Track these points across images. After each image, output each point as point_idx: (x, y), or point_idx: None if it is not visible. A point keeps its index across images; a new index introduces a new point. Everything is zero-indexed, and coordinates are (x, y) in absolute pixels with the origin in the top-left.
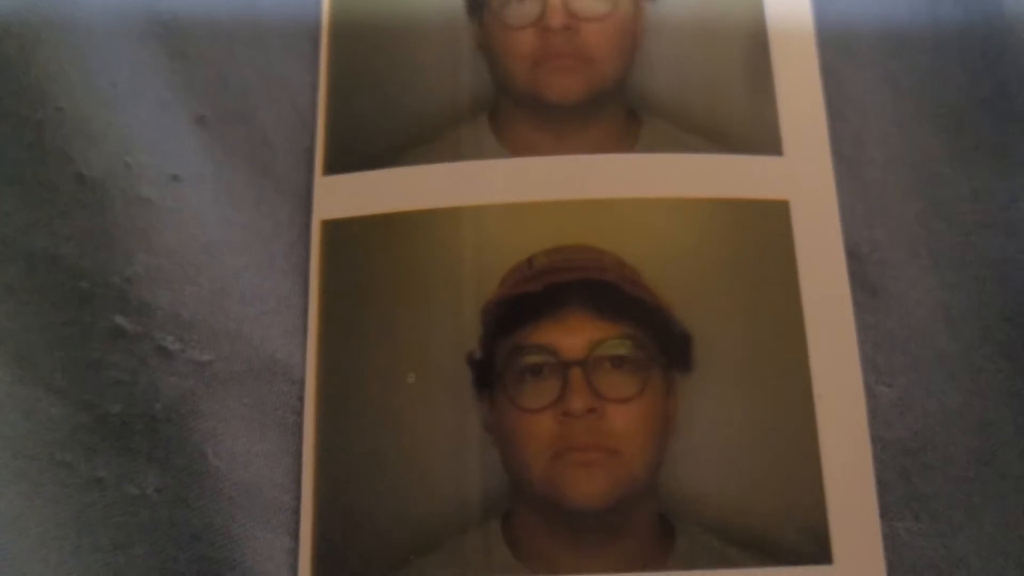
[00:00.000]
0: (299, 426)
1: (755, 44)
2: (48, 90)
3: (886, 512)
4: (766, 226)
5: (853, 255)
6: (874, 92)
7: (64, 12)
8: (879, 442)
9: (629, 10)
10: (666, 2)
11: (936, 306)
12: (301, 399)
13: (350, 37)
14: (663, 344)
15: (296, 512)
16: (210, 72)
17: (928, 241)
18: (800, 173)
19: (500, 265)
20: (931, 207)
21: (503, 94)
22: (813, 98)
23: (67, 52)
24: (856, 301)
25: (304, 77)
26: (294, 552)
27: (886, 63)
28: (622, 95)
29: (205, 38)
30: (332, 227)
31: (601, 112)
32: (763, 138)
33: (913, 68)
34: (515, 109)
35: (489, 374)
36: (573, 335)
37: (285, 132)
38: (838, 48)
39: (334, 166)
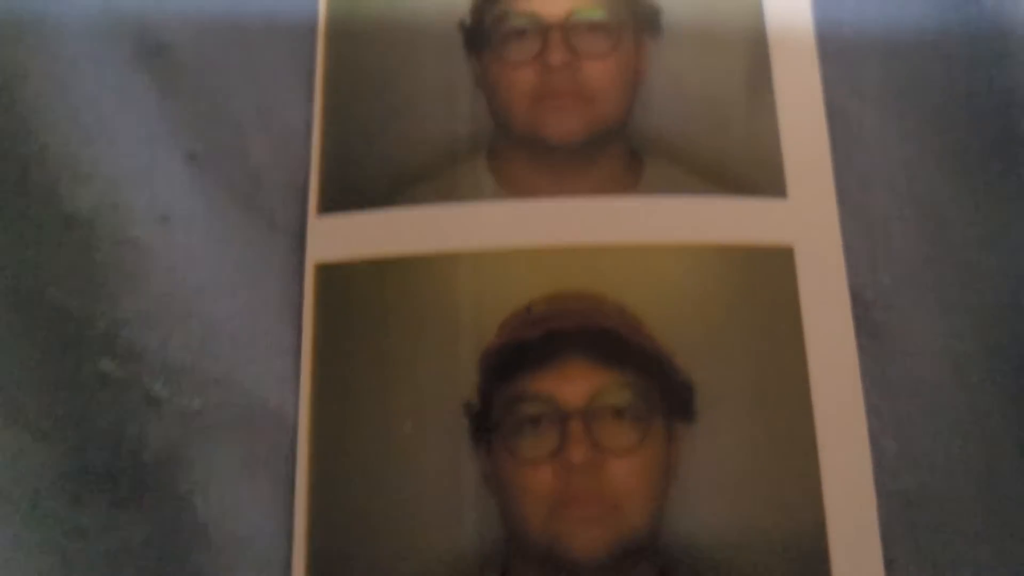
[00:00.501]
0: (291, 476)
1: (759, 83)
2: (34, 126)
3: (891, 565)
4: (770, 272)
5: (858, 300)
6: (880, 131)
7: (50, 44)
8: (884, 494)
9: (631, 47)
10: (669, 39)
11: (942, 353)
12: (293, 448)
13: (346, 71)
14: (665, 393)
15: (287, 565)
16: (202, 105)
17: (935, 286)
18: (805, 216)
19: (498, 312)
20: (938, 251)
21: (502, 133)
22: (818, 138)
23: (53, 86)
24: (861, 347)
25: (299, 111)
26: None
27: (893, 102)
28: (623, 135)
29: (197, 69)
30: (326, 271)
31: (602, 152)
32: (768, 179)
33: (920, 107)
34: (514, 149)
35: (487, 423)
36: (573, 383)
37: (279, 168)
38: (844, 86)
39: (329, 205)
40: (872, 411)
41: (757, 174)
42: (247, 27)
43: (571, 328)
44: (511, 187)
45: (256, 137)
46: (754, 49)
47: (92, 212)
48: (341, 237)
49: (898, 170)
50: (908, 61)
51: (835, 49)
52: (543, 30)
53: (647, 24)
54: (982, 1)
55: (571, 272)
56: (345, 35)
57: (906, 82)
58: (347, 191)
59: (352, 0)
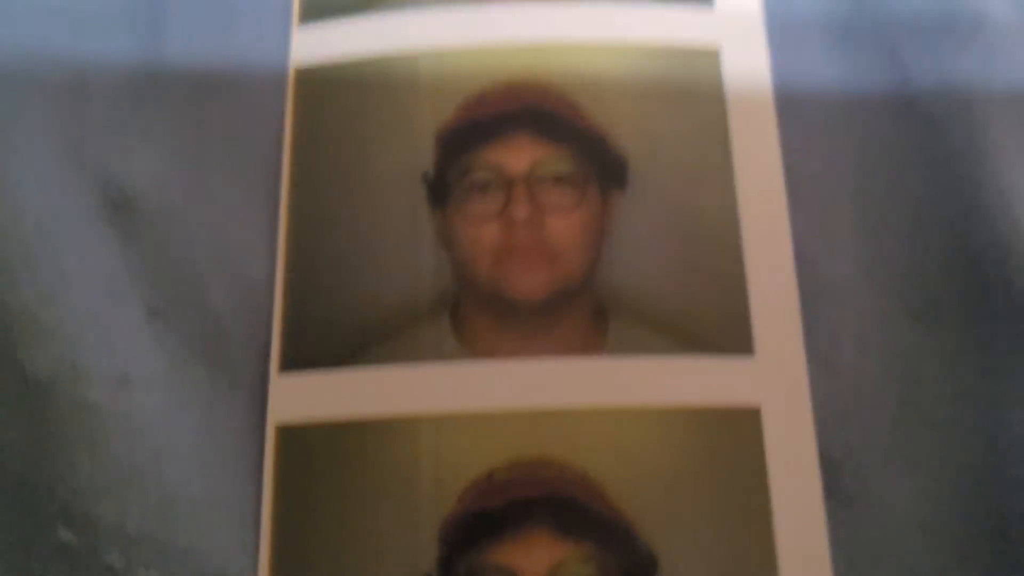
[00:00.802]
0: None
1: (727, 236)
2: None
3: None
4: (736, 436)
5: (827, 460)
6: (850, 283)
7: (14, 200)
8: None
9: (596, 201)
10: (634, 192)
11: (913, 517)
12: None
13: (309, 224)
14: (625, 555)
15: None
16: (163, 258)
17: (905, 445)
18: (773, 374)
19: (459, 479)
20: (909, 408)
21: (465, 290)
22: (787, 292)
23: (15, 244)
24: (829, 511)
25: (262, 263)
26: None
27: (863, 252)
28: (589, 292)
29: (160, 221)
30: (288, 432)
31: (566, 310)
32: (735, 337)
33: (889, 258)
34: (477, 307)
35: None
36: (533, 555)
37: (241, 323)
38: (814, 236)
39: (291, 363)
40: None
41: (724, 332)
42: (210, 178)
43: (534, 496)
44: (474, 347)
45: (218, 291)
46: (722, 201)
47: (51, 374)
48: (303, 397)
49: (868, 324)
50: (878, 212)
51: (805, 197)
52: (507, 183)
53: (613, 177)
54: (952, 154)
55: (535, 439)
56: (309, 187)
57: (876, 233)
58: (309, 349)
59: (316, 152)
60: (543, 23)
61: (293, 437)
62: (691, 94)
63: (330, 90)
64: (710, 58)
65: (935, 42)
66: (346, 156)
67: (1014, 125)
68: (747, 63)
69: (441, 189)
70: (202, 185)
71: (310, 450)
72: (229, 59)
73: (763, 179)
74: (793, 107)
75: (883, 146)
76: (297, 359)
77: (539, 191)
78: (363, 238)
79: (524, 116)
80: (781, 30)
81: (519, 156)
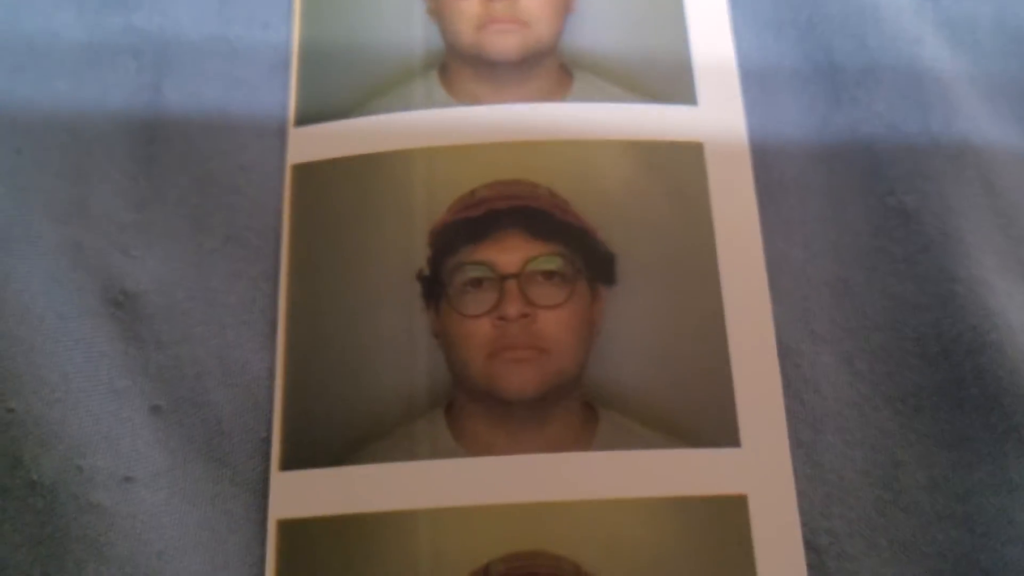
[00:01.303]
0: None
1: (713, 329)
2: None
3: None
4: (724, 523)
5: (811, 547)
6: (832, 373)
7: (18, 303)
8: None
9: (586, 296)
10: (623, 288)
11: None
12: None
13: (307, 319)
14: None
15: None
16: (165, 356)
17: (887, 531)
18: (758, 464)
19: (457, 572)
20: (889, 495)
21: (459, 387)
22: (771, 383)
23: (18, 346)
24: None
25: (261, 358)
26: None
27: (843, 342)
28: (579, 387)
29: (160, 318)
30: (288, 527)
31: (557, 407)
32: (721, 429)
33: (868, 348)
34: (471, 404)
35: None
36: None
37: (241, 421)
38: (796, 326)
39: (291, 461)
40: None
41: (711, 424)
42: (210, 276)
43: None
44: (468, 443)
45: (219, 386)
46: (707, 294)
47: (56, 477)
48: (303, 494)
49: (849, 413)
50: (856, 302)
51: (786, 288)
52: (499, 280)
53: (602, 272)
54: (926, 245)
55: (529, 529)
56: (306, 285)
57: (854, 323)
58: (309, 448)
59: (313, 250)
60: (532, 122)
61: (294, 531)
62: (677, 188)
63: (326, 186)
64: (694, 151)
65: (909, 139)
66: (343, 253)
67: (984, 216)
68: (729, 156)
69: (435, 286)
70: (202, 283)
71: (311, 543)
72: (227, 160)
73: (746, 270)
74: (774, 200)
75: (860, 237)
76: (297, 457)
77: (530, 287)
78: (360, 335)
79: (515, 214)
80: (761, 126)
81: (511, 253)
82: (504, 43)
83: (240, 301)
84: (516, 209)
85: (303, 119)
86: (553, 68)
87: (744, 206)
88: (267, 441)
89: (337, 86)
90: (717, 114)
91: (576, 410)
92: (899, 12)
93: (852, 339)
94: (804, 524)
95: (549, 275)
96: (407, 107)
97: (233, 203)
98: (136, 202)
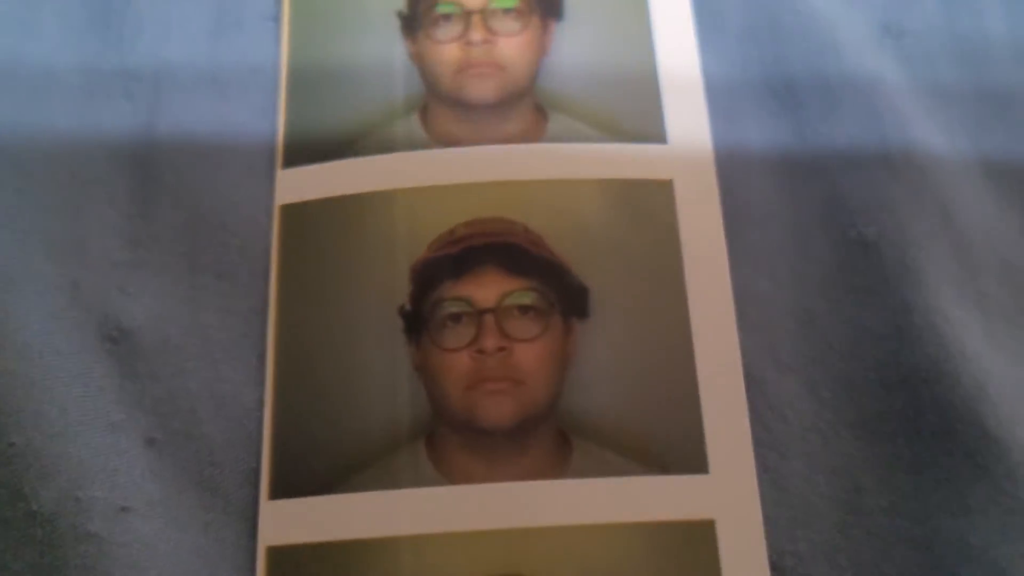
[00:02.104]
0: None
1: (682, 362)
2: (1, 425)
3: None
4: (693, 547)
5: (777, 569)
6: (797, 400)
7: (16, 340)
8: None
9: (559, 330)
10: (595, 321)
11: None
12: None
13: (295, 357)
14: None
15: None
16: (159, 390)
17: (849, 553)
18: (726, 490)
19: None
20: (852, 518)
21: (439, 419)
22: (738, 411)
23: (18, 383)
24: None
25: (251, 394)
26: None
27: (807, 370)
28: (553, 417)
29: (154, 353)
30: (277, 553)
31: (532, 437)
32: (690, 457)
33: (831, 376)
34: (451, 435)
35: None
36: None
37: (233, 452)
38: (762, 357)
39: (279, 490)
40: None
41: (680, 452)
42: (202, 312)
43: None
44: (448, 472)
45: (211, 419)
46: (676, 326)
47: (55, 508)
48: (291, 521)
49: (813, 439)
50: (821, 330)
51: (752, 318)
52: (477, 315)
53: (575, 306)
54: (885, 276)
55: (506, 554)
56: (294, 320)
57: (820, 351)
58: (296, 477)
59: (300, 284)
60: (509, 162)
61: (282, 557)
62: (647, 224)
63: (313, 225)
64: (664, 188)
65: (870, 172)
66: (328, 289)
67: (942, 247)
68: (698, 193)
69: (416, 321)
70: (195, 319)
71: (299, 569)
72: (218, 200)
73: (714, 302)
74: (741, 233)
75: (824, 268)
76: (285, 486)
77: (507, 321)
78: (345, 369)
79: (491, 250)
80: (729, 162)
81: (488, 289)
82: (482, 87)
83: (231, 336)
84: (492, 246)
85: (290, 160)
86: (529, 109)
87: (712, 240)
88: (257, 471)
89: (323, 128)
90: (686, 152)
91: (551, 439)
92: (860, 47)
93: (816, 368)
94: (770, 547)
95: (525, 309)
96: (389, 149)
97: (224, 241)
98: (131, 241)
